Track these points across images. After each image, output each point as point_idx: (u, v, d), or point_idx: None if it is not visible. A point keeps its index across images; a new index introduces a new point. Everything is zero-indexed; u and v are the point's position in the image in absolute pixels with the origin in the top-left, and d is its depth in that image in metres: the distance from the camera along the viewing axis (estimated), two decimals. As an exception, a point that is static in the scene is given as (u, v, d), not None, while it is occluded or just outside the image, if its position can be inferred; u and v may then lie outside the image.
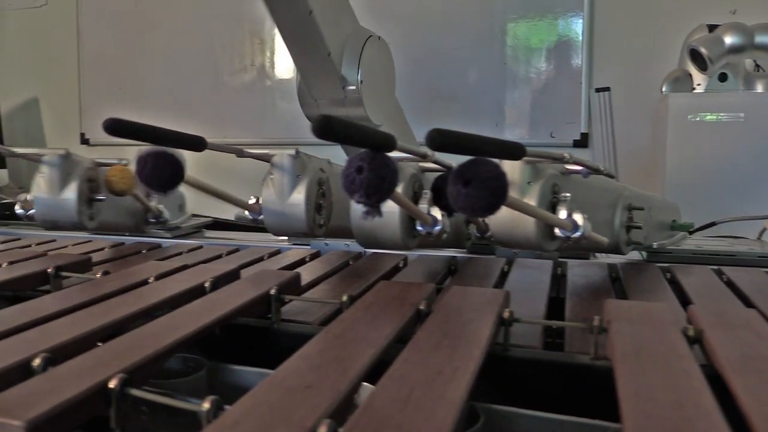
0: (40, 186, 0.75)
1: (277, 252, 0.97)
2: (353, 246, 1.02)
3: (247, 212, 0.73)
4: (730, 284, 0.79)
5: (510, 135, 2.64)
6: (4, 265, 0.70)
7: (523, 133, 2.64)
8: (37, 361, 0.41)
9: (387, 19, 2.76)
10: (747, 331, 0.50)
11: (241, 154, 0.70)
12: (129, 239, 1.07)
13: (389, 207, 0.70)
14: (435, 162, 0.69)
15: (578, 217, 0.62)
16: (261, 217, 0.71)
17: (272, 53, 2.93)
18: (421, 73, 2.65)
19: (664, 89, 2.13)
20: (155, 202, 1.03)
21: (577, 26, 2.55)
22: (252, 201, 0.71)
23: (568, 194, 0.64)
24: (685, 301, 0.71)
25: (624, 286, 0.81)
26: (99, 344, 0.47)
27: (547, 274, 0.85)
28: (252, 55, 2.96)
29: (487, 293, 0.60)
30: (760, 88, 2.11)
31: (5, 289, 0.64)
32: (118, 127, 0.54)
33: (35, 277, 0.67)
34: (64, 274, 0.68)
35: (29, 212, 0.77)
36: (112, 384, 0.38)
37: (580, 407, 0.52)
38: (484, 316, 0.53)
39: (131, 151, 2.45)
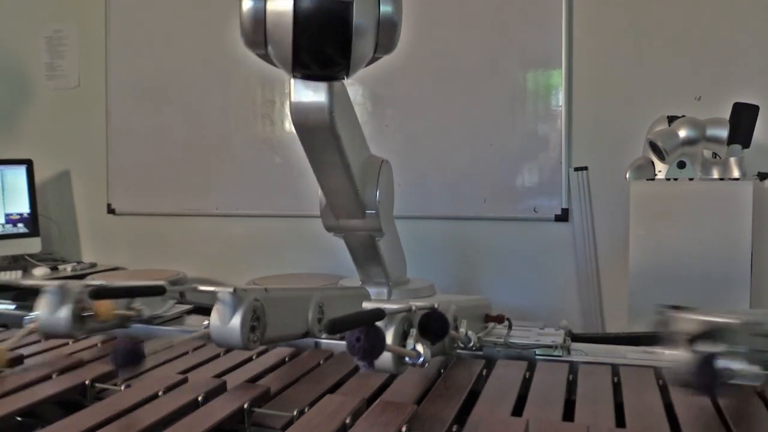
0: (42, 306, 0.99)
1: (265, 351, 1.22)
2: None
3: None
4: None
5: (496, 210, 2.89)
6: (54, 376, 0.96)
7: (509, 209, 2.89)
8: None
9: (385, 105, 3.05)
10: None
11: (195, 289, 0.95)
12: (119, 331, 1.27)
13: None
14: (420, 308, 0.89)
15: (420, 347, 0.82)
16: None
17: (281, 133, 3.23)
18: (412, 156, 2.94)
19: (627, 176, 2.36)
20: (138, 303, 1.17)
21: (557, 111, 2.81)
22: (205, 323, 0.92)
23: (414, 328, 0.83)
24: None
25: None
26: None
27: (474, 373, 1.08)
28: (263, 134, 3.26)
29: (396, 407, 0.83)
30: (716, 174, 2.34)
31: (56, 399, 0.89)
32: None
33: (77, 389, 0.92)
34: (97, 385, 0.93)
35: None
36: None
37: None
38: (389, 430, 0.76)
39: (153, 221, 2.77)
